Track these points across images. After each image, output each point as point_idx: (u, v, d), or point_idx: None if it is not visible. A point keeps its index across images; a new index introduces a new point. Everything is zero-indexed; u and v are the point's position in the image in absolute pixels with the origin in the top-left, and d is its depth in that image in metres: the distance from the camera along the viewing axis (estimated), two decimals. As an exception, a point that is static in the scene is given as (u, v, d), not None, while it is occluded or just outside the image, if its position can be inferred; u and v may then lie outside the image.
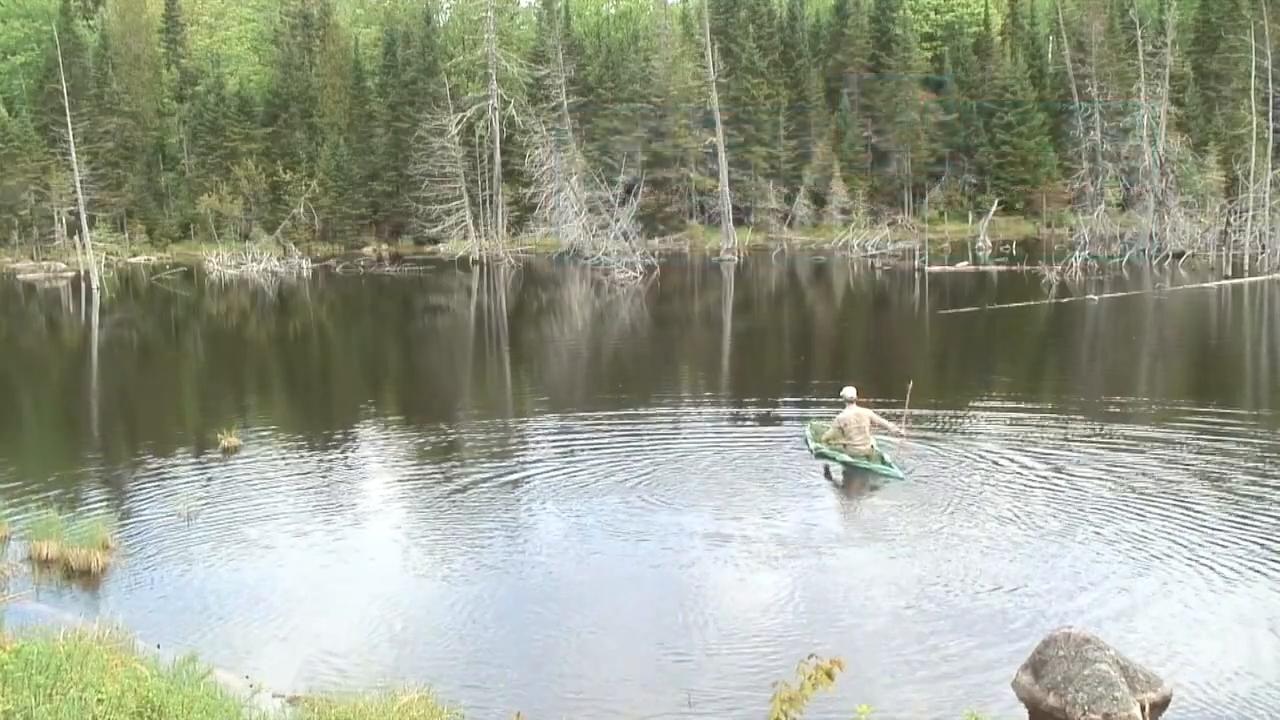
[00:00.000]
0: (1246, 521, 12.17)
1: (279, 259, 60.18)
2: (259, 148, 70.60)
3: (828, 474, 15.17)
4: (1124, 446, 15.62)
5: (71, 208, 58.37)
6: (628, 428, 18.10)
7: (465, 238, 61.60)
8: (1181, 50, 65.30)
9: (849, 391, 15.73)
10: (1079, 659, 8.08)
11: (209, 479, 15.53)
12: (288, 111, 72.63)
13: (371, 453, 17.33)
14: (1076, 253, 46.29)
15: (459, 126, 61.85)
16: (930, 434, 16.69)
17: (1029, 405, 19.12)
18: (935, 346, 29.30)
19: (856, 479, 14.80)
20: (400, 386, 25.74)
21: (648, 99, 68.31)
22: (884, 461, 14.78)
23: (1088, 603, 10.19)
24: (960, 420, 17.83)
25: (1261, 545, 11.42)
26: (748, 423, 18.69)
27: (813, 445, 15.83)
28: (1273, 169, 48.31)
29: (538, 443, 17.49)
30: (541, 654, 9.60)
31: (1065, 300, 36.43)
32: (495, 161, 64.27)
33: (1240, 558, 11.09)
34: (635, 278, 48.46)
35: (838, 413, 15.77)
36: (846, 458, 15.15)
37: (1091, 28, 61.12)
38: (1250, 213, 47.87)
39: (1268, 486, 13.53)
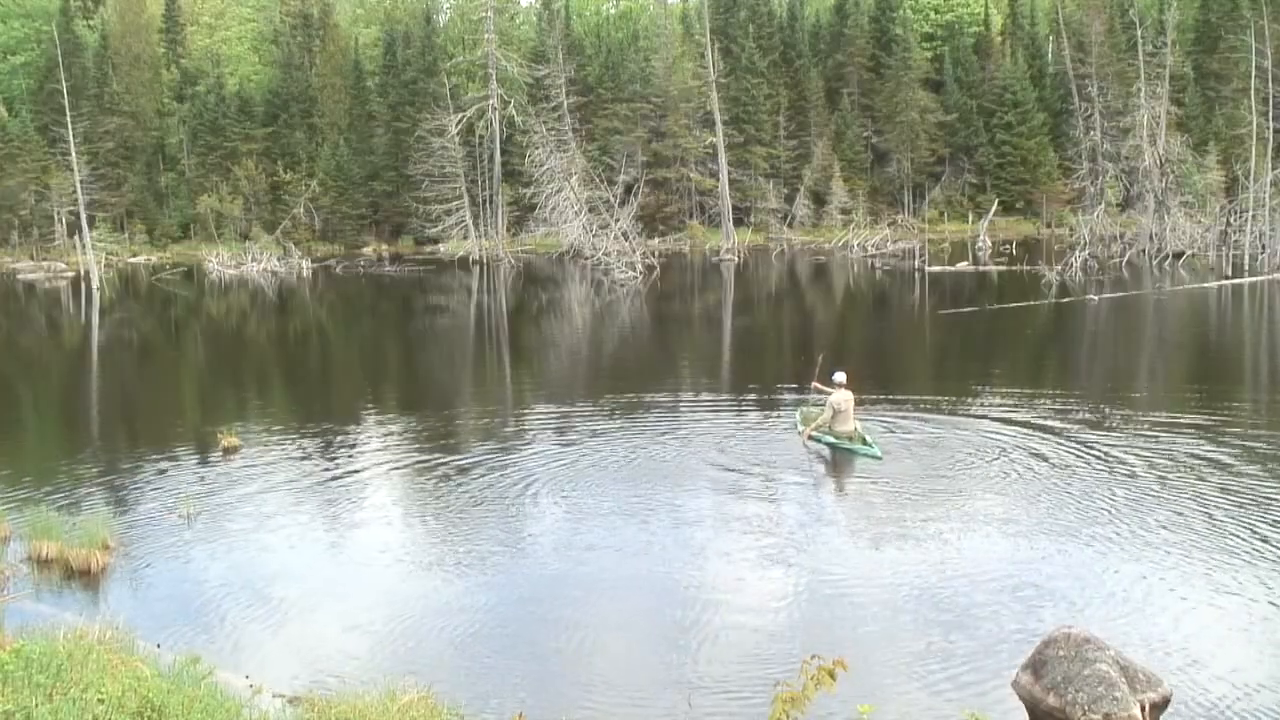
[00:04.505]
0: (1247, 521, 12.16)
1: (279, 259, 60.17)
2: (259, 148, 70.58)
3: (823, 465, 15.49)
4: (1123, 446, 15.61)
5: (71, 208, 58.37)
6: (627, 428, 18.10)
7: (465, 238, 61.58)
8: (1181, 50, 65.31)
9: (840, 376, 16.29)
10: (1079, 659, 8.08)
11: (209, 479, 15.54)
12: (288, 111, 72.62)
13: (371, 453, 17.32)
14: (1077, 253, 46.27)
15: (459, 126, 61.81)
16: (931, 433, 16.71)
17: (1028, 405, 19.11)
18: (935, 346, 29.30)
19: (853, 473, 14.98)
20: (400, 386, 25.74)
21: (648, 99, 68.31)
22: (865, 442, 15.62)
23: (1088, 603, 10.19)
24: (960, 420, 17.81)
25: (1262, 545, 11.41)
26: (748, 421, 18.68)
27: (801, 429, 16.67)
28: (1273, 169, 48.25)
29: (538, 442, 17.49)
30: (541, 654, 9.60)
31: (1065, 300, 36.43)
32: (495, 161, 64.25)
33: (1241, 558, 11.09)
34: (635, 278, 48.46)
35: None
36: (830, 439, 15.95)
37: (1091, 28, 61.14)
38: (1250, 213, 47.84)
39: (1268, 486, 13.52)
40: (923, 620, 9.90)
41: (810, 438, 16.29)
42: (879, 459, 15.07)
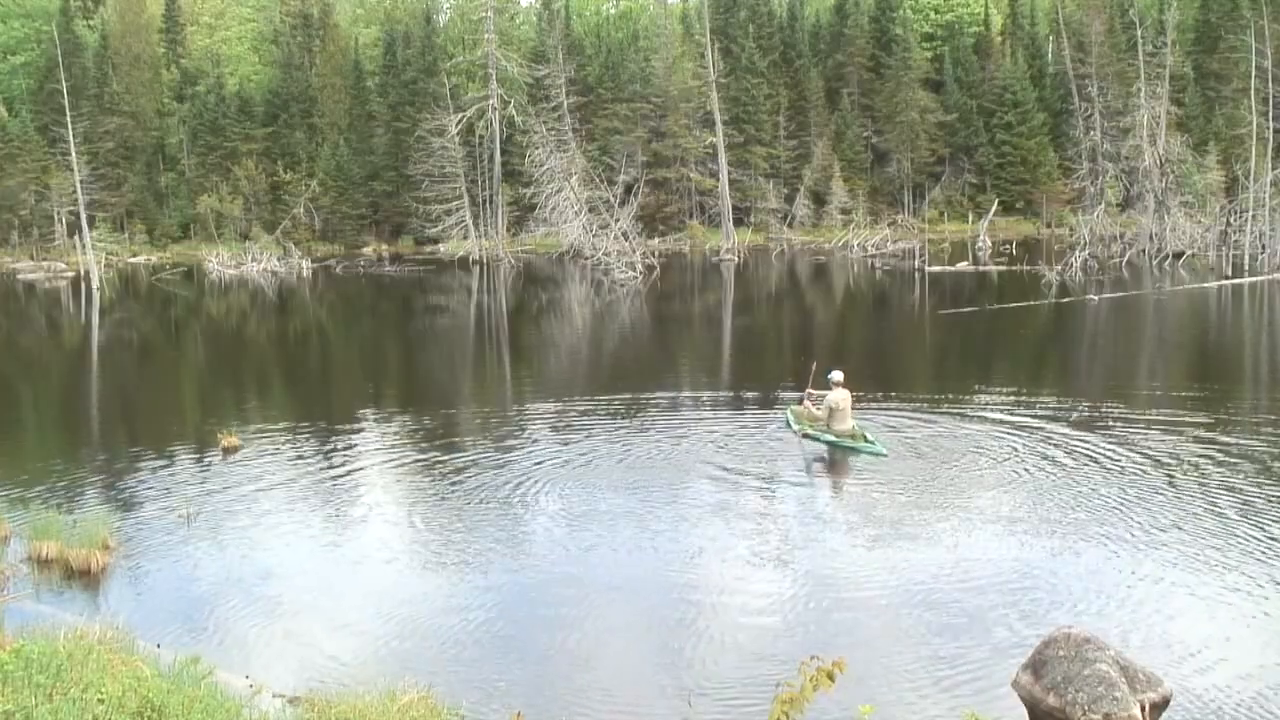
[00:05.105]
0: (1247, 521, 12.16)
1: (279, 259, 60.17)
2: (259, 148, 70.60)
3: (822, 464, 15.52)
4: (1124, 446, 15.60)
5: (71, 208, 58.37)
6: (627, 428, 18.10)
7: (465, 238, 61.58)
8: (1181, 50, 65.31)
9: (837, 375, 16.28)
10: (1079, 659, 8.07)
11: (209, 479, 15.53)
12: (288, 111, 72.63)
13: (371, 453, 17.31)
14: (1077, 253, 46.25)
15: (459, 126, 61.81)
16: (930, 433, 16.70)
17: (1028, 406, 19.10)
18: (935, 346, 29.30)
19: (853, 473, 14.97)
20: (400, 387, 25.74)
21: (648, 99, 68.33)
22: (866, 439, 15.59)
23: (1088, 603, 10.19)
24: (960, 420, 17.80)
25: (1263, 545, 11.41)
26: (747, 421, 18.65)
27: (797, 427, 16.54)
28: (1273, 169, 48.26)
29: (537, 442, 17.48)
30: (541, 654, 9.60)
31: (1065, 300, 36.43)
32: (495, 161, 64.25)
33: (1241, 558, 11.09)
34: (635, 278, 48.45)
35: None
36: (830, 438, 15.89)
37: (1091, 28, 61.17)
38: (1250, 213, 47.83)
39: (1268, 486, 13.52)
40: (923, 620, 9.90)
41: (807, 435, 16.27)
42: (884, 455, 15.11)
